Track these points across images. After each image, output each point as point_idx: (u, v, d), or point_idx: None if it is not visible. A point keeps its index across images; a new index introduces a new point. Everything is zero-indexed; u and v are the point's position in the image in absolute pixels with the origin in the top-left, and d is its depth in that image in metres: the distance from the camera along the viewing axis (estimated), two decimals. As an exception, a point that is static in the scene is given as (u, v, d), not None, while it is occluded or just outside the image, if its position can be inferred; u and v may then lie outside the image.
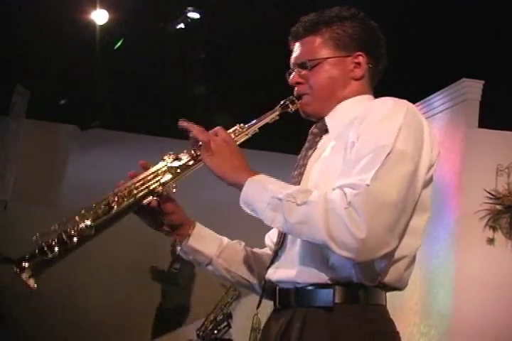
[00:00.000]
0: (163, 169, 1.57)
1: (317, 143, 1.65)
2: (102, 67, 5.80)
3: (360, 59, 1.63)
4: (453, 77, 5.48)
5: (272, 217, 1.41)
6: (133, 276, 7.59)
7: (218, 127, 1.56)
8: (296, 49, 1.68)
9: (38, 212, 7.15)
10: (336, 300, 1.45)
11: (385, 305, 1.51)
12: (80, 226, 1.45)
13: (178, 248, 1.72)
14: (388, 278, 1.46)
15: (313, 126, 1.68)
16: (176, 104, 6.06)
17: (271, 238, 1.75)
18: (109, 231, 1.52)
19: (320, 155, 1.59)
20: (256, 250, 1.80)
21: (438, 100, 5.61)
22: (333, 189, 1.38)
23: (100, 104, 6.61)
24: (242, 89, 6.28)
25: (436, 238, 5.07)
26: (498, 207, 4.89)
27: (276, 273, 1.57)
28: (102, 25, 5.44)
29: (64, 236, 1.44)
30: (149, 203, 1.58)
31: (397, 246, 1.39)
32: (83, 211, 1.48)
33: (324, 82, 1.62)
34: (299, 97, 1.65)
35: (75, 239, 1.44)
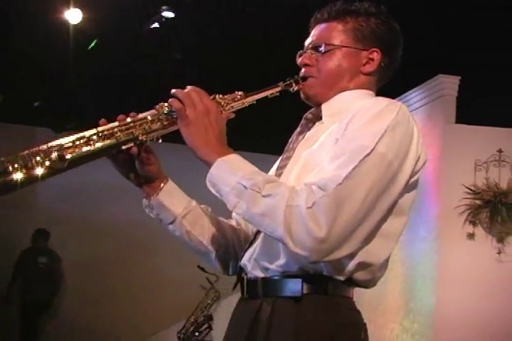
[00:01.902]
0: (152, 118, 1.49)
1: (309, 128, 1.64)
2: (75, 67, 5.72)
3: (375, 55, 1.62)
4: (429, 73, 5.50)
5: (235, 202, 1.37)
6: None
7: (201, 91, 1.50)
8: (315, 31, 1.66)
9: (15, 216, 7.08)
10: (304, 291, 1.43)
11: (352, 298, 1.51)
12: (53, 156, 1.37)
13: (145, 201, 1.66)
14: (359, 277, 1.46)
15: (309, 111, 1.67)
16: (151, 104, 6.00)
17: None
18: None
19: (309, 145, 1.56)
20: (221, 219, 1.75)
21: (415, 96, 5.63)
22: (305, 184, 1.36)
23: (75, 106, 6.53)
24: (217, 89, 6.25)
25: (416, 234, 5.08)
26: (478, 202, 4.92)
27: (249, 260, 1.55)
28: (75, 25, 5.34)
29: (33, 162, 1.35)
30: (129, 149, 1.50)
31: (365, 248, 1.40)
32: (59, 141, 1.39)
33: (333, 68, 1.61)
34: (304, 79, 1.63)
35: (45, 169, 1.35)
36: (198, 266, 6.09)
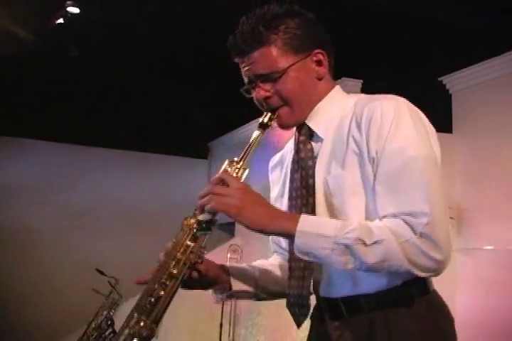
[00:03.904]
0: (190, 240, 1.52)
1: (311, 151, 1.60)
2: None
3: (320, 56, 1.60)
4: (333, 76, 5.62)
5: (343, 261, 1.39)
6: None
7: (222, 173, 1.50)
8: (250, 64, 1.57)
9: None
10: (414, 295, 1.51)
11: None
12: (141, 329, 1.43)
13: (219, 296, 1.73)
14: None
15: (297, 134, 1.63)
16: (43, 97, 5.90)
17: (276, 242, 1.82)
18: None
19: (328, 168, 1.54)
20: (272, 262, 1.83)
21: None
22: (385, 216, 1.41)
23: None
24: (117, 89, 6.17)
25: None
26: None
27: (334, 289, 1.58)
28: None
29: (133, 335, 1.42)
30: (190, 276, 1.56)
31: None
32: (135, 314, 1.45)
33: (297, 89, 1.56)
34: (273, 111, 1.58)
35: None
36: (97, 270, 5.96)
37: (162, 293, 1.46)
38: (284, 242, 1.77)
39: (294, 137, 1.68)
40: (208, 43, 5.26)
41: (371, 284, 1.52)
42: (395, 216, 1.40)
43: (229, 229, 8.03)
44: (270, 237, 1.82)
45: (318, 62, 1.60)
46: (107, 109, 6.59)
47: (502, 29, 4.38)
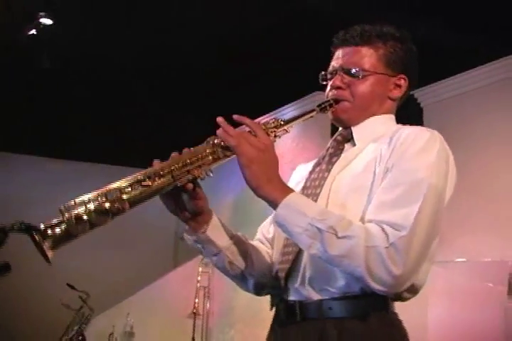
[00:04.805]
0: (206, 153, 1.52)
1: (341, 150, 1.70)
2: None
3: (402, 82, 1.72)
4: (306, 89, 5.65)
5: (309, 243, 1.43)
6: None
7: (255, 123, 1.52)
8: (344, 54, 1.71)
9: None
10: (370, 310, 1.52)
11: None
12: (116, 197, 1.39)
13: (188, 236, 1.68)
14: (405, 295, 1.55)
15: (338, 133, 1.74)
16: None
17: (264, 233, 1.83)
18: None
19: (345, 166, 1.63)
20: (255, 243, 1.81)
21: (290, 111, 5.76)
22: (370, 220, 1.44)
23: None
24: (91, 100, 6.13)
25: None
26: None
27: (300, 283, 1.59)
28: None
29: (98, 207, 1.36)
30: (185, 186, 1.53)
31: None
32: (117, 184, 1.41)
33: (367, 93, 1.67)
34: (337, 101, 1.68)
35: (110, 214, 1.37)
36: (68, 284, 5.87)
37: (150, 183, 1.44)
38: (271, 234, 1.81)
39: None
40: (181, 55, 5.27)
41: (333, 291, 1.53)
42: (378, 223, 1.43)
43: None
44: (260, 227, 1.86)
45: (398, 86, 1.72)
46: (79, 120, 6.53)
47: (473, 43, 4.44)
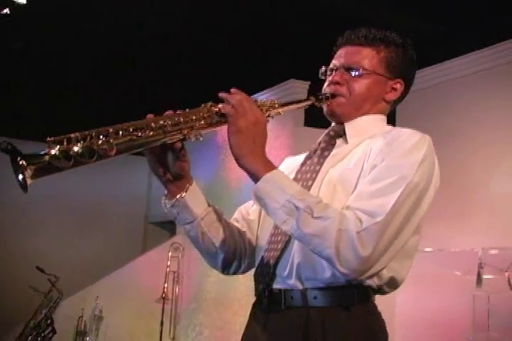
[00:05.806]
0: (200, 116, 1.52)
1: (333, 145, 1.74)
2: None
3: (398, 86, 1.77)
4: (282, 77, 5.66)
5: (284, 219, 1.46)
6: None
7: (250, 99, 1.54)
8: (347, 53, 1.77)
9: None
10: (355, 299, 1.56)
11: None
12: (105, 140, 1.36)
13: (166, 200, 1.67)
14: (386, 288, 1.62)
15: (330, 129, 1.79)
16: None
17: (243, 214, 1.85)
18: None
19: (338, 162, 1.67)
20: (231, 222, 1.82)
21: (265, 98, 5.76)
22: (347, 207, 1.49)
23: None
24: (63, 82, 6.08)
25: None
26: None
27: (286, 271, 1.61)
28: None
29: (86, 146, 1.33)
30: (173, 143, 1.54)
31: (396, 267, 1.58)
32: (111, 129, 1.39)
33: (363, 92, 1.73)
34: (333, 96, 1.73)
35: (96, 155, 1.34)
36: (37, 267, 5.82)
37: (140, 134, 1.43)
38: (252, 216, 1.84)
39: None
40: (157, 40, 5.23)
41: (317, 280, 1.57)
42: (354, 209, 1.47)
43: (170, 228, 7.99)
44: (240, 207, 1.88)
45: (394, 89, 1.77)
46: (50, 102, 6.46)
47: (437, 39, 4.50)
